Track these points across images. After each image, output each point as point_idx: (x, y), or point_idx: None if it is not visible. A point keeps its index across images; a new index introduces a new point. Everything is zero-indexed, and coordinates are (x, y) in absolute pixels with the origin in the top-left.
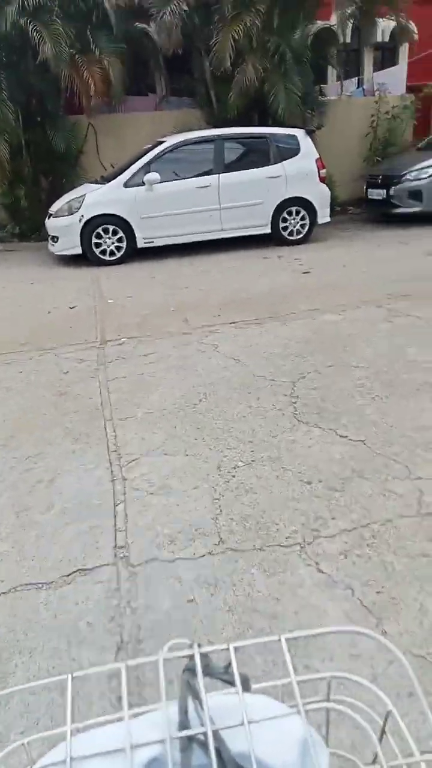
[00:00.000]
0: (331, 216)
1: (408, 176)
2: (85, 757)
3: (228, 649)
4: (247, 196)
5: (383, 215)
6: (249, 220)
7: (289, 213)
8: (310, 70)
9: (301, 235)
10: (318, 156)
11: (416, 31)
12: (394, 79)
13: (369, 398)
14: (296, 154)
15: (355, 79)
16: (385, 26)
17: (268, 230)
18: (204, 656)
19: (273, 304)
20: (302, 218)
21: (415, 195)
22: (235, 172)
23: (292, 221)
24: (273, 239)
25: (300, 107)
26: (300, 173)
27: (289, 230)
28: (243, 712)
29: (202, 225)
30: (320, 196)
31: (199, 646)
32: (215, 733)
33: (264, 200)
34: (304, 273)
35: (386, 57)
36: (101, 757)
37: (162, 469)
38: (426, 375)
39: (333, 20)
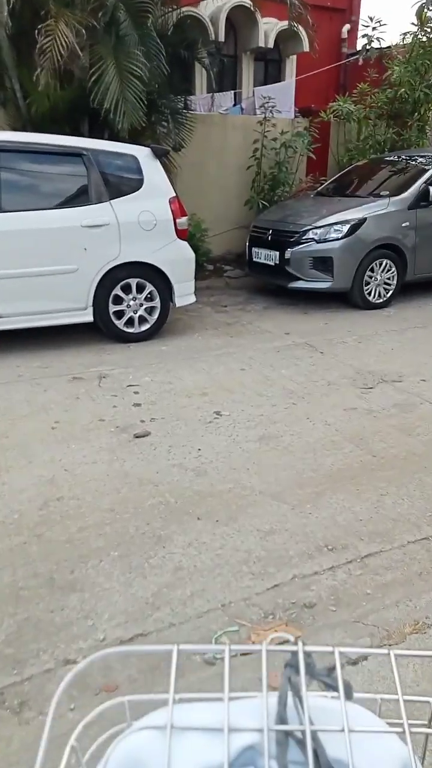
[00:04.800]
0: (198, 282)
1: (311, 234)
2: (183, 728)
3: (333, 652)
4: (45, 258)
5: (274, 285)
6: (52, 301)
7: (126, 289)
8: (165, 64)
9: (146, 327)
10: (174, 194)
11: (308, 41)
12: (282, 98)
13: None
14: (137, 189)
15: (230, 94)
16: (268, 28)
17: (88, 317)
18: (307, 655)
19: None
20: (148, 298)
21: (323, 264)
22: (18, 213)
23: (132, 303)
24: (101, 331)
25: (142, 106)
26: (143, 222)
27: (126, 317)
28: (344, 719)
29: None
30: (178, 262)
31: (304, 643)
32: (313, 734)
33: (78, 266)
34: (138, 436)
35: (270, 71)
36: (199, 732)
37: None
38: None
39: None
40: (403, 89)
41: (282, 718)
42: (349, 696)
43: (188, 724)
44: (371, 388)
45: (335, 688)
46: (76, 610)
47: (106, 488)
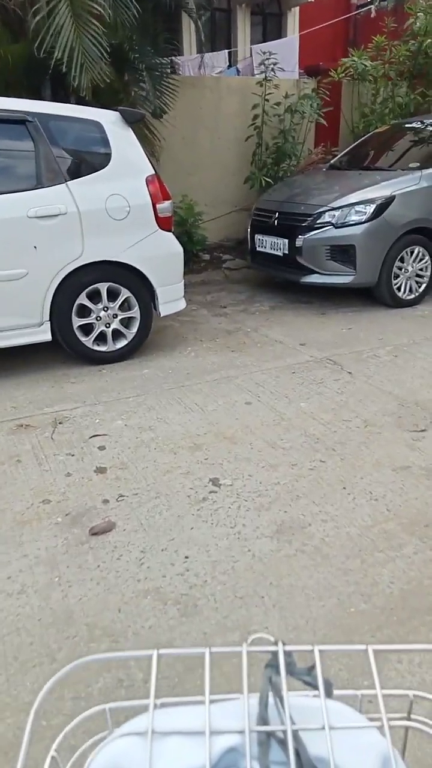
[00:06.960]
0: (192, 276)
1: (328, 217)
2: (165, 732)
3: (312, 650)
4: None
5: (281, 277)
6: None
7: (94, 297)
8: (136, 4)
9: (123, 344)
10: (153, 172)
11: None
12: (284, 56)
13: None
14: (102, 166)
15: (224, 53)
16: None
17: (45, 335)
18: (287, 655)
19: None
20: (124, 307)
21: (344, 254)
22: None
23: (102, 314)
24: (66, 350)
25: (105, 58)
26: (112, 209)
27: (96, 332)
28: (325, 716)
29: None
30: (162, 259)
31: (284, 644)
32: (295, 733)
33: (28, 270)
34: (95, 533)
35: (269, 27)
36: (180, 736)
37: None
38: None
39: None
40: (429, 40)
41: (263, 719)
42: (329, 694)
43: (169, 729)
44: (424, 430)
45: (316, 687)
46: None
47: (32, 655)
